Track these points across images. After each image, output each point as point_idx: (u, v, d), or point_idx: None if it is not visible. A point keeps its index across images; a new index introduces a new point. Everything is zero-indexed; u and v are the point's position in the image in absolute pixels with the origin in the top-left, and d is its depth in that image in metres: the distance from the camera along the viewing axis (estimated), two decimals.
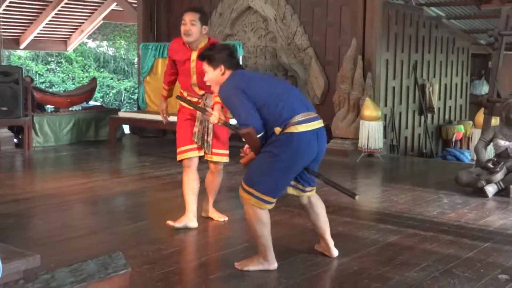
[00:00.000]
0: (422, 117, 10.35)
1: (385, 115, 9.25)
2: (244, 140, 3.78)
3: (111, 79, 20.82)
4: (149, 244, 4.38)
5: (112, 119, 9.60)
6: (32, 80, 9.98)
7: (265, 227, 3.72)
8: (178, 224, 4.69)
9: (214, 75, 3.87)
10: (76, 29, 14.38)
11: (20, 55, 19.47)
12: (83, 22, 14.18)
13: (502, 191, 6.09)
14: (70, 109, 10.25)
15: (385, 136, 8.78)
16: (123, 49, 22.16)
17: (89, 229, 4.93)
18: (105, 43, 22.22)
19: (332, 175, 7.26)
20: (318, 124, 3.73)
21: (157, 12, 11.14)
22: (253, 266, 3.78)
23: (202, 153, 4.76)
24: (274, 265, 3.81)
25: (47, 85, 19.15)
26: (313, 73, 9.36)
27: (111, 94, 20.55)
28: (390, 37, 9.35)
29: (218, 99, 4.21)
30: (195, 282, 3.78)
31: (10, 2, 11.91)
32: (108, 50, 22.31)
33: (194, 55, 4.63)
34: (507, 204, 5.83)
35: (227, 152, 4.85)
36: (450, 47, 11.11)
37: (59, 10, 13.07)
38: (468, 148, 10.62)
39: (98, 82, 13.64)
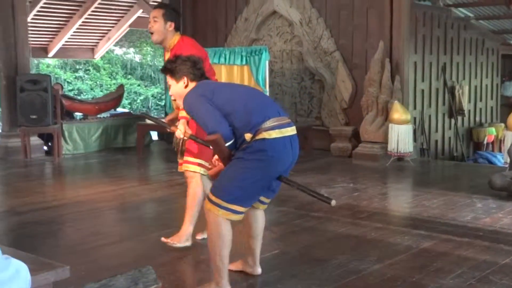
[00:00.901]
0: (452, 120, 10.19)
1: (415, 118, 9.12)
2: (211, 148, 3.53)
3: (138, 85, 20.98)
4: (179, 251, 4.35)
5: (140, 126, 9.64)
6: (62, 87, 10.08)
7: (225, 246, 3.38)
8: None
9: (178, 88, 3.65)
10: (103, 36, 14.49)
11: (48, 63, 19.72)
12: (109, 30, 14.29)
13: None
14: (99, 116, 10.34)
15: (414, 140, 8.67)
16: (149, 55, 22.31)
17: (119, 237, 4.93)
18: (131, 49, 22.39)
19: (362, 179, 7.19)
20: (292, 131, 3.40)
21: (183, 18, 11.16)
22: None
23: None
24: None
25: (76, 93, 19.36)
26: (340, 77, 9.28)
27: (138, 101, 20.70)
28: (418, 39, 9.24)
29: (183, 113, 3.93)
30: None
31: (38, 11, 12.06)
32: (134, 57, 22.48)
33: (168, 56, 4.33)
34: None
35: (195, 160, 4.31)
36: (480, 48, 10.93)
37: (86, 18, 13.19)
38: (500, 150, 10.41)
39: (125, 89, 13.75)
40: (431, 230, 4.93)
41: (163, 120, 4.60)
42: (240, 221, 3.50)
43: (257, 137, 3.26)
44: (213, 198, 3.34)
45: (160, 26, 4.33)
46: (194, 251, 4.38)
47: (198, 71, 3.67)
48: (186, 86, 3.61)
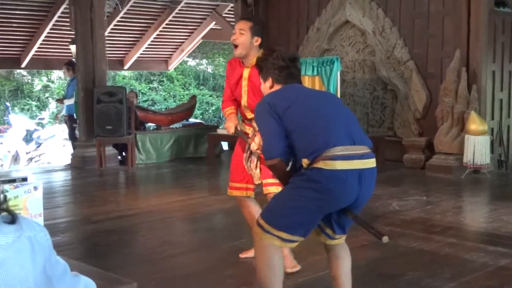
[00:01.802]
0: None
1: (492, 129, 8.82)
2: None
3: (211, 96, 21.26)
4: (247, 263, 4.35)
5: (211, 136, 9.76)
6: (137, 95, 10.38)
7: (275, 276, 3.00)
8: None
9: (264, 88, 3.38)
10: (177, 48, 14.80)
11: (124, 75, 20.30)
12: (183, 42, 14.58)
13: None
14: (171, 126, 10.54)
15: (492, 151, 8.39)
16: (222, 66, 22.60)
17: (189, 247, 4.98)
18: (204, 61, 22.74)
19: (435, 192, 7.01)
20: (365, 164, 2.92)
21: None
22: None
23: (250, 194, 4.22)
24: None
25: (150, 103, 19.83)
26: (414, 87, 9.11)
27: (210, 111, 20.98)
28: (497, 47, 8.94)
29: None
30: None
31: (115, 25, 12.45)
32: (207, 68, 22.81)
33: (246, 73, 4.07)
34: None
35: (275, 181, 3.86)
36: None
37: (160, 31, 13.51)
38: None
39: (197, 99, 13.97)
40: (509, 247, 4.73)
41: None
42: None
43: (314, 165, 2.86)
44: (261, 221, 3.02)
45: (246, 40, 3.98)
46: None
47: (285, 71, 3.29)
48: (271, 88, 3.32)
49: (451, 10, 8.70)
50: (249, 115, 4.05)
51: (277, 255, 3.01)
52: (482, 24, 8.33)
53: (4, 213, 1.06)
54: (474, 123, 7.91)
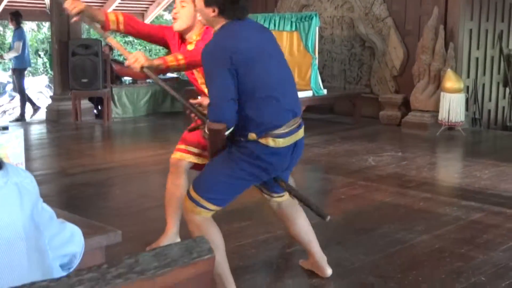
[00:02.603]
0: (507, 89, 9.89)
1: (468, 87, 8.90)
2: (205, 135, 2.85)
3: None
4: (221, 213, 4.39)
5: (188, 91, 9.69)
6: (111, 48, 10.20)
7: (217, 250, 2.83)
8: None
9: (202, 12, 2.83)
10: (153, 2, 14.53)
11: None
12: None
13: None
14: (147, 81, 10.41)
15: (467, 109, 8.48)
16: None
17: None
18: None
19: (411, 148, 7.10)
20: (299, 135, 2.89)
21: None
22: None
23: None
24: None
25: (125, 58, 19.57)
26: (392, 44, 9.11)
27: None
28: (475, 5, 8.93)
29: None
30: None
31: None
32: None
33: (190, 48, 3.51)
34: None
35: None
36: None
37: None
38: None
39: None
40: (481, 201, 4.85)
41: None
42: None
43: (261, 141, 2.75)
44: (193, 193, 2.86)
45: (188, 13, 3.44)
46: (239, 215, 4.41)
47: (237, 4, 2.77)
48: (214, 18, 2.80)
49: None
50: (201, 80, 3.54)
51: (214, 227, 2.91)
52: None
53: None
54: (450, 81, 7.96)
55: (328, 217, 2.98)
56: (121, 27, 3.69)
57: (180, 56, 3.30)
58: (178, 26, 3.48)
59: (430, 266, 3.50)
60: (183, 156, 3.73)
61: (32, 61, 18.33)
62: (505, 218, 4.40)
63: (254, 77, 2.74)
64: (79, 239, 1.31)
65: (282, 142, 2.78)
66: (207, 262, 0.95)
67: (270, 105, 2.77)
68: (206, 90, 3.03)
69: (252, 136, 2.75)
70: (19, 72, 10.25)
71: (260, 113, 2.75)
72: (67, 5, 3.48)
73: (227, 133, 2.72)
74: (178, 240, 3.74)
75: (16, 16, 10.17)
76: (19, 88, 10.36)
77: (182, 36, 3.59)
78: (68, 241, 1.26)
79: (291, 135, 2.83)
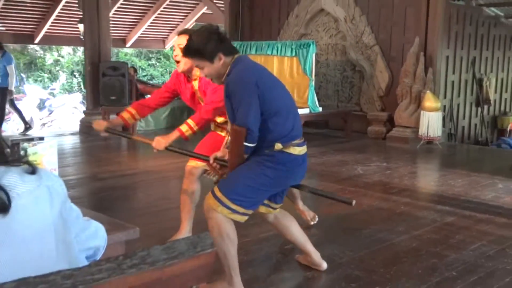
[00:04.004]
0: (479, 109, 9.88)
1: (444, 106, 8.89)
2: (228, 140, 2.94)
3: None
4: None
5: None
6: (136, 70, 10.23)
7: (232, 245, 2.84)
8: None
9: (214, 68, 2.84)
10: (173, 29, 14.61)
11: (126, 52, 20.02)
12: (178, 24, 14.39)
13: None
14: None
15: (443, 125, 8.47)
16: None
17: None
18: None
19: (394, 159, 7.09)
20: (305, 149, 2.94)
21: (241, 14, 11.15)
22: None
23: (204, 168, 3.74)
24: None
25: (148, 78, 19.62)
26: (379, 68, 9.13)
27: None
28: (451, 35, 8.96)
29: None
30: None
31: (118, 7, 12.24)
32: None
33: (196, 85, 3.59)
34: None
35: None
36: (508, 44, 10.50)
37: (158, 14, 13.33)
38: None
39: None
40: (454, 206, 4.84)
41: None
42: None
43: (285, 150, 2.81)
44: (218, 193, 2.80)
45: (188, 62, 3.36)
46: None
47: (227, 41, 2.86)
48: (223, 62, 2.82)
49: (412, 1, 8.67)
50: (220, 119, 3.65)
51: (232, 226, 2.85)
52: (438, 15, 8.33)
53: (26, 165, 1.07)
54: (429, 101, 7.96)
55: (354, 202, 2.92)
56: (137, 117, 3.84)
57: (192, 123, 3.52)
58: (182, 67, 3.48)
59: (408, 262, 3.50)
60: (197, 164, 3.73)
61: (68, 80, 18.53)
62: (475, 221, 4.39)
63: (276, 98, 2.82)
64: (102, 235, 1.33)
65: (299, 150, 2.87)
66: (208, 255, 0.96)
67: (291, 119, 2.86)
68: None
69: (278, 146, 2.80)
70: (2, 91, 9.06)
71: (284, 126, 2.82)
72: (95, 126, 3.76)
73: (249, 145, 2.74)
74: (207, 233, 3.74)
75: None
76: (12, 106, 9.64)
77: (186, 76, 3.61)
78: (92, 236, 1.28)
79: (303, 146, 2.92)
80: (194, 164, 3.77)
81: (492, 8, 10.00)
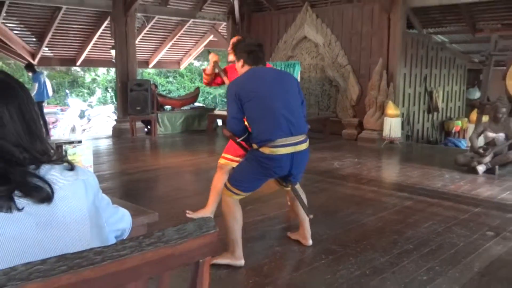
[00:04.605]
0: (430, 115, 9.89)
1: (403, 113, 8.90)
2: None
3: (210, 87, 21.05)
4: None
5: (210, 115, 9.74)
6: (156, 86, 10.21)
7: (237, 223, 2.92)
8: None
9: (237, 67, 3.02)
10: (186, 53, 14.58)
11: (149, 72, 20.00)
12: (191, 48, 14.36)
13: (490, 170, 5.74)
14: (182, 108, 10.44)
15: (402, 128, 8.46)
16: None
17: (194, 191, 5.00)
18: (205, 62, 22.45)
19: (363, 156, 7.08)
20: (297, 149, 2.80)
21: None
22: (221, 259, 2.92)
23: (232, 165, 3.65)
24: (240, 261, 2.93)
25: (167, 92, 19.60)
26: (351, 83, 9.12)
27: (209, 98, 20.82)
28: (407, 57, 8.97)
29: None
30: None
31: (143, 36, 12.20)
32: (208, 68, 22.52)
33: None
34: (493, 180, 5.50)
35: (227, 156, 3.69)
36: (452, 64, 10.53)
37: (174, 41, 13.29)
38: (464, 137, 10.06)
39: (200, 90, 13.81)
40: (411, 193, 4.84)
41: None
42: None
43: (260, 149, 2.78)
44: (228, 184, 2.94)
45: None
46: (248, 203, 4.40)
47: (253, 54, 2.93)
48: (242, 66, 2.98)
49: (377, 30, 8.68)
50: None
51: (239, 208, 2.94)
52: (397, 41, 8.33)
53: (66, 164, 1.06)
54: (391, 109, 7.96)
55: (311, 216, 3.00)
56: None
57: (227, 81, 3.70)
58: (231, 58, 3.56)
59: (375, 238, 3.50)
60: (228, 163, 3.70)
61: (103, 95, 18.47)
62: (428, 205, 4.39)
63: (254, 107, 2.73)
64: (127, 219, 1.31)
65: (277, 151, 2.73)
66: (212, 235, 0.95)
67: (264, 126, 2.75)
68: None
69: (254, 146, 2.81)
70: (39, 105, 9.12)
71: (258, 131, 2.77)
72: (211, 57, 3.77)
73: (239, 140, 2.85)
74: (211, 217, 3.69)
75: (30, 67, 9.32)
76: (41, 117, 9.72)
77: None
78: (120, 220, 1.26)
79: (288, 147, 2.75)
80: (224, 162, 3.74)
81: (439, 36, 10.03)
